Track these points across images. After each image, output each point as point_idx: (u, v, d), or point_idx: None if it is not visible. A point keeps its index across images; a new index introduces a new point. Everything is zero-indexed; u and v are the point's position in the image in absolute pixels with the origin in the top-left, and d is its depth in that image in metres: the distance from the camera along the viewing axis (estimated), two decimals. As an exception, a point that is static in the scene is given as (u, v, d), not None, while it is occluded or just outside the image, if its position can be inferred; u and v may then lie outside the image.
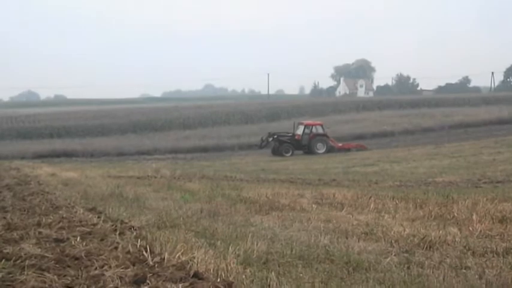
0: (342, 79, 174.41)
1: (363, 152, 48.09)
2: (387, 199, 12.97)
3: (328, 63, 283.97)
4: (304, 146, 52.40)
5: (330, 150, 51.79)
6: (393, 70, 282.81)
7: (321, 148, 52.07)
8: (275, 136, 53.54)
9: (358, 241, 8.33)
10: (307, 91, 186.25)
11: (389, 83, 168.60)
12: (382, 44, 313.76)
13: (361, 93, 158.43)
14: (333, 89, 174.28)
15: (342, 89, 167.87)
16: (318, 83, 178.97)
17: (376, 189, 17.48)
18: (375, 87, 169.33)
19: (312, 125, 54.34)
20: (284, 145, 52.30)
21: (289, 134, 53.96)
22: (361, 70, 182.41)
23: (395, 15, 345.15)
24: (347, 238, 8.55)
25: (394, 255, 7.37)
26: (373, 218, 10.46)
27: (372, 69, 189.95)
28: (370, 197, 13.23)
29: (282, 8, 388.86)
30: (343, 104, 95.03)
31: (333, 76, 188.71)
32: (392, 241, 8.20)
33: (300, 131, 53.49)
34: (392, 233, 8.68)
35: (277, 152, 51.55)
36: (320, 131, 53.38)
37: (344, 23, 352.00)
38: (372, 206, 12.09)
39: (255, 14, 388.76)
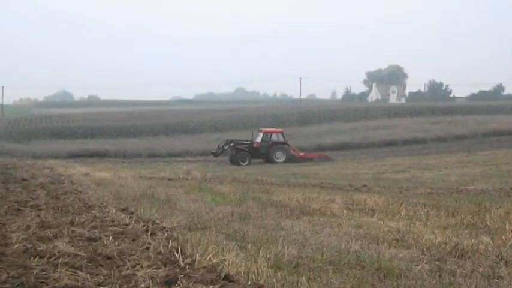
0: (374, 85, 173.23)
1: (393, 159, 47.60)
2: (418, 206, 12.88)
3: (360, 69, 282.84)
4: (262, 154, 50.66)
5: (290, 159, 49.90)
6: (426, 76, 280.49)
7: (280, 157, 50.31)
8: (231, 144, 51.72)
9: (389, 248, 8.28)
10: (339, 96, 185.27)
11: (422, 90, 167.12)
12: (415, 50, 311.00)
13: (393, 99, 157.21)
14: (364, 95, 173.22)
15: (374, 95, 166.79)
16: (350, 88, 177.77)
17: (407, 196, 17.34)
18: (407, 94, 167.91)
19: (271, 133, 52.70)
20: (241, 153, 50.36)
21: (247, 141, 52.18)
22: (394, 76, 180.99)
23: (428, 21, 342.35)
24: (378, 244, 8.50)
25: (426, 262, 7.31)
26: (405, 225, 10.39)
27: (405, 75, 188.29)
28: (401, 204, 13.14)
29: (315, 12, 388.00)
30: (374, 110, 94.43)
31: (365, 82, 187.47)
32: (424, 248, 8.13)
33: (259, 138, 51.92)
34: (423, 240, 8.62)
35: (234, 161, 49.88)
36: (280, 139, 51.85)
37: (377, 28, 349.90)
38: (403, 212, 12.01)
39: (288, 19, 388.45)
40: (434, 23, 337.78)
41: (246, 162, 49.05)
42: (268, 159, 49.89)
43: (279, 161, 49.34)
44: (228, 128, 79.50)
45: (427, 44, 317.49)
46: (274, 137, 51.64)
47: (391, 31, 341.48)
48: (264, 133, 52.37)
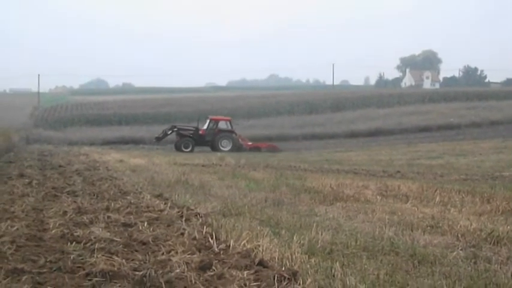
0: (407, 70, 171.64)
1: (428, 145, 47.15)
2: (453, 192, 12.79)
3: (393, 54, 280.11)
4: (208, 141, 49.23)
5: (238, 148, 48.33)
6: (460, 62, 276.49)
7: (226, 145, 48.48)
8: (175, 129, 50.48)
9: (424, 234, 8.24)
10: (372, 82, 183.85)
11: (456, 75, 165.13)
12: (449, 35, 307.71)
13: (427, 84, 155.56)
14: (398, 80, 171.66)
15: (408, 81, 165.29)
16: (383, 74, 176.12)
17: (442, 182, 17.21)
18: (441, 79, 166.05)
19: (219, 120, 50.93)
20: (184, 139, 48.99)
21: (192, 128, 50.96)
22: (428, 61, 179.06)
23: (463, 6, 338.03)
24: (412, 231, 8.47)
25: (461, 249, 7.27)
26: (439, 211, 10.33)
27: (439, 61, 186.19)
28: (436, 190, 13.05)
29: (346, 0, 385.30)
30: (408, 96, 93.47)
31: (398, 67, 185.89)
32: (459, 235, 8.08)
33: (206, 125, 50.40)
34: (458, 226, 8.56)
35: (177, 147, 48.60)
36: (227, 127, 50.23)
37: (410, 14, 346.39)
38: (437, 199, 11.94)
39: (320, 6, 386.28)
40: (469, 8, 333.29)
41: (189, 149, 47.65)
42: (214, 147, 48.37)
43: (224, 149, 47.18)
44: (261, 115, 79.41)
45: (462, 29, 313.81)
46: (221, 125, 50.12)
47: (425, 16, 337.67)
48: (210, 120, 50.87)
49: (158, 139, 51.50)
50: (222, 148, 47.69)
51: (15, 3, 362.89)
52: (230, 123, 50.90)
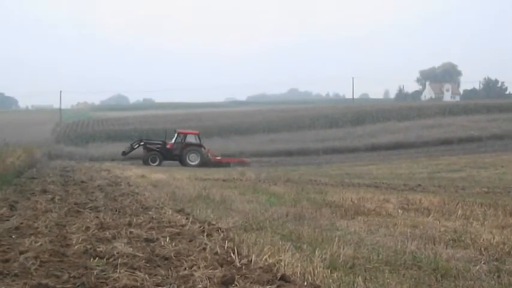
0: (427, 83, 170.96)
1: (449, 158, 46.90)
2: (475, 205, 12.73)
3: (413, 67, 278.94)
4: (175, 155, 48.36)
5: (206, 163, 47.33)
6: (480, 74, 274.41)
7: (194, 159, 47.69)
8: (142, 143, 49.67)
9: (446, 248, 8.21)
10: (392, 95, 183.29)
11: (477, 87, 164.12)
12: (469, 47, 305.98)
13: (447, 97, 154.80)
14: (418, 93, 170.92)
15: (428, 93, 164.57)
16: (403, 87, 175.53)
17: (463, 195, 17.11)
18: (461, 91, 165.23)
19: (186, 134, 49.99)
20: (151, 153, 48.17)
21: (160, 141, 49.93)
22: (447, 74, 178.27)
23: (482, 19, 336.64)
24: (434, 244, 8.43)
25: (484, 263, 7.23)
26: (461, 225, 10.28)
27: (459, 73, 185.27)
28: (458, 203, 13.00)
29: (365, 13, 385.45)
30: (428, 108, 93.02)
31: (418, 80, 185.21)
32: (482, 249, 8.04)
33: (173, 139, 49.42)
34: (481, 240, 8.52)
35: (144, 161, 47.51)
36: (195, 141, 49.19)
37: (429, 26, 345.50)
38: (459, 212, 11.88)
39: (338, 19, 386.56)
40: (488, 19, 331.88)
41: (156, 163, 47.05)
42: (182, 161, 47.81)
43: (192, 163, 46.83)
44: (281, 129, 79.40)
45: (481, 41, 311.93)
46: (189, 139, 49.24)
47: (444, 28, 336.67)
48: (178, 134, 49.92)
49: (124, 153, 50.36)
50: (190, 162, 47.23)
51: (39, 26, 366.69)
52: (199, 137, 50.05)
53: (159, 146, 49.06)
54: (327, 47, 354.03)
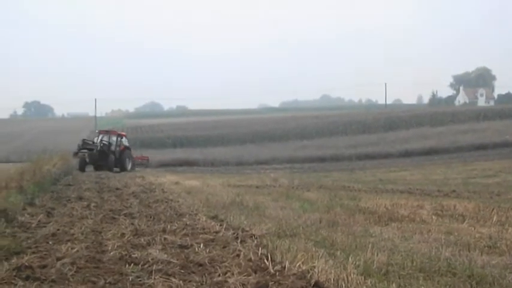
0: (461, 88, 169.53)
1: (483, 163, 46.21)
2: (510, 211, 12.58)
3: (446, 72, 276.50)
4: (116, 160, 43.04)
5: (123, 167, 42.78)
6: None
7: (128, 163, 43.93)
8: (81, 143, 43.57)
9: (481, 254, 8.13)
10: (425, 101, 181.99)
11: (511, 91, 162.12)
12: (503, 51, 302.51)
13: (481, 102, 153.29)
14: (451, 98, 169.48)
15: (461, 98, 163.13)
16: (437, 92, 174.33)
17: (498, 201, 16.91)
18: (495, 96, 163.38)
19: (122, 136, 46.02)
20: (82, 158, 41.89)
21: (94, 143, 43.56)
22: (481, 78, 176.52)
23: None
24: (469, 251, 8.36)
25: (520, 270, 7.16)
26: (497, 231, 10.16)
27: (493, 78, 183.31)
28: (493, 209, 12.86)
29: (400, 16, 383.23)
30: (462, 114, 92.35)
31: (451, 85, 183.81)
32: (518, 255, 7.96)
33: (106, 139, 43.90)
34: (517, 247, 8.43)
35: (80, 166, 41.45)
36: (127, 143, 45.52)
37: (464, 31, 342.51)
38: (494, 218, 11.75)
39: (370, 23, 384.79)
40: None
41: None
42: (121, 166, 42.81)
43: (129, 168, 43.21)
44: (314, 135, 79.42)
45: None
46: (124, 142, 45.17)
47: (478, 32, 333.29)
48: (100, 133, 45.39)
49: (74, 155, 42.39)
50: (127, 167, 43.30)
51: (75, 35, 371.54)
52: (126, 138, 46.70)
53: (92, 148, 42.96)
54: (359, 53, 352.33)
